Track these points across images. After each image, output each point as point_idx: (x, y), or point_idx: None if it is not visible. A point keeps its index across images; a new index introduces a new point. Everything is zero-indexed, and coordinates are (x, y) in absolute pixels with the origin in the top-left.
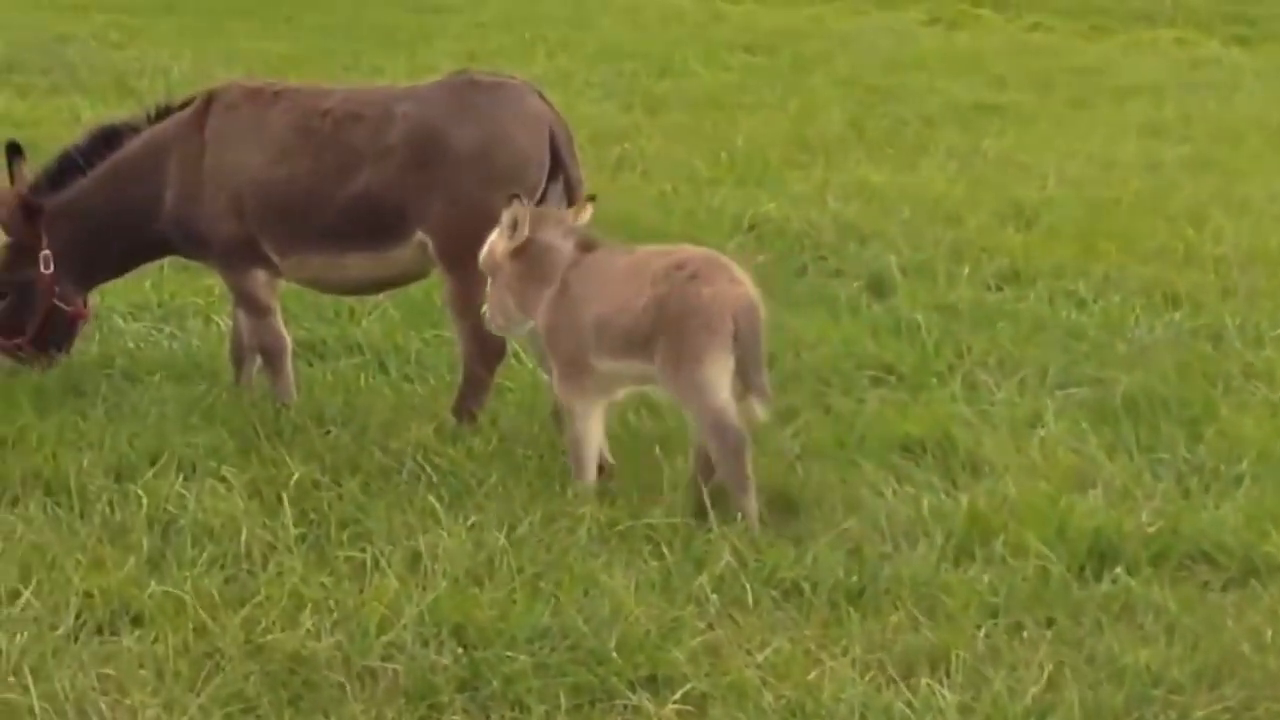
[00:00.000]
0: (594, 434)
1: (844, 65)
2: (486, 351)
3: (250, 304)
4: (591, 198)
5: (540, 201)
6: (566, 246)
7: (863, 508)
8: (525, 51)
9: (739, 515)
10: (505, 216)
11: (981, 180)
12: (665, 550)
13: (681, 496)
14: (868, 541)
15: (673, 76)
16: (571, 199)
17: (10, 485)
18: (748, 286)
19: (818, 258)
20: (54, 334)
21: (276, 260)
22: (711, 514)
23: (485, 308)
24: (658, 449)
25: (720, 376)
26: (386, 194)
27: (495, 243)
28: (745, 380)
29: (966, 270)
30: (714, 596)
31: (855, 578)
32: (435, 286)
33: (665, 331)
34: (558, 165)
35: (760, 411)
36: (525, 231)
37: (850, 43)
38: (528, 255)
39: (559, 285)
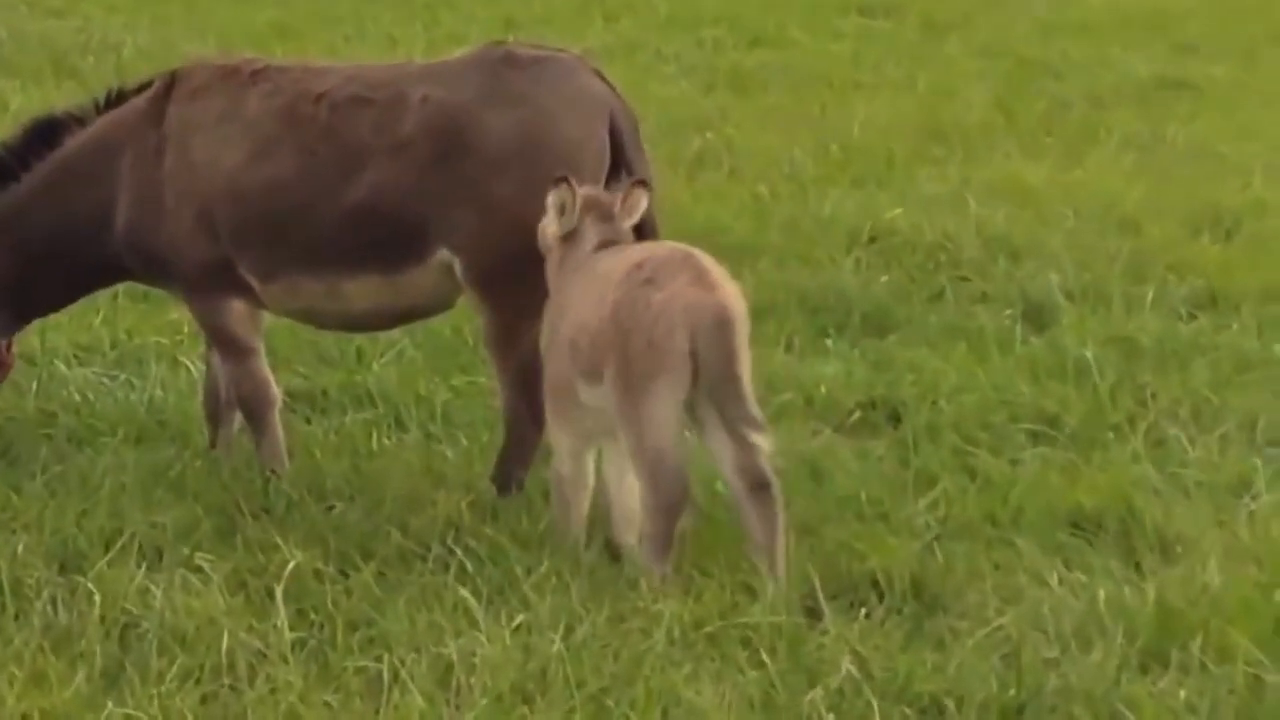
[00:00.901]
0: (579, 480)
1: (987, 30)
2: (535, 404)
3: (226, 344)
4: (643, 183)
5: None
6: (589, 244)
7: (1021, 600)
8: (578, 16)
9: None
10: (551, 198)
11: (1166, 178)
12: (766, 657)
13: (785, 589)
14: (1028, 643)
15: (767, 47)
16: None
17: None
18: (716, 291)
19: (958, 279)
20: None
21: (258, 287)
22: (826, 610)
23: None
24: None
25: (664, 408)
26: (399, 201)
27: (544, 226)
28: (721, 411)
29: (1149, 294)
30: (830, 717)
31: (1013, 691)
32: (466, 320)
33: (613, 349)
34: (619, 161)
35: (760, 442)
36: (575, 218)
37: (997, 1)
38: (569, 247)
39: (554, 292)
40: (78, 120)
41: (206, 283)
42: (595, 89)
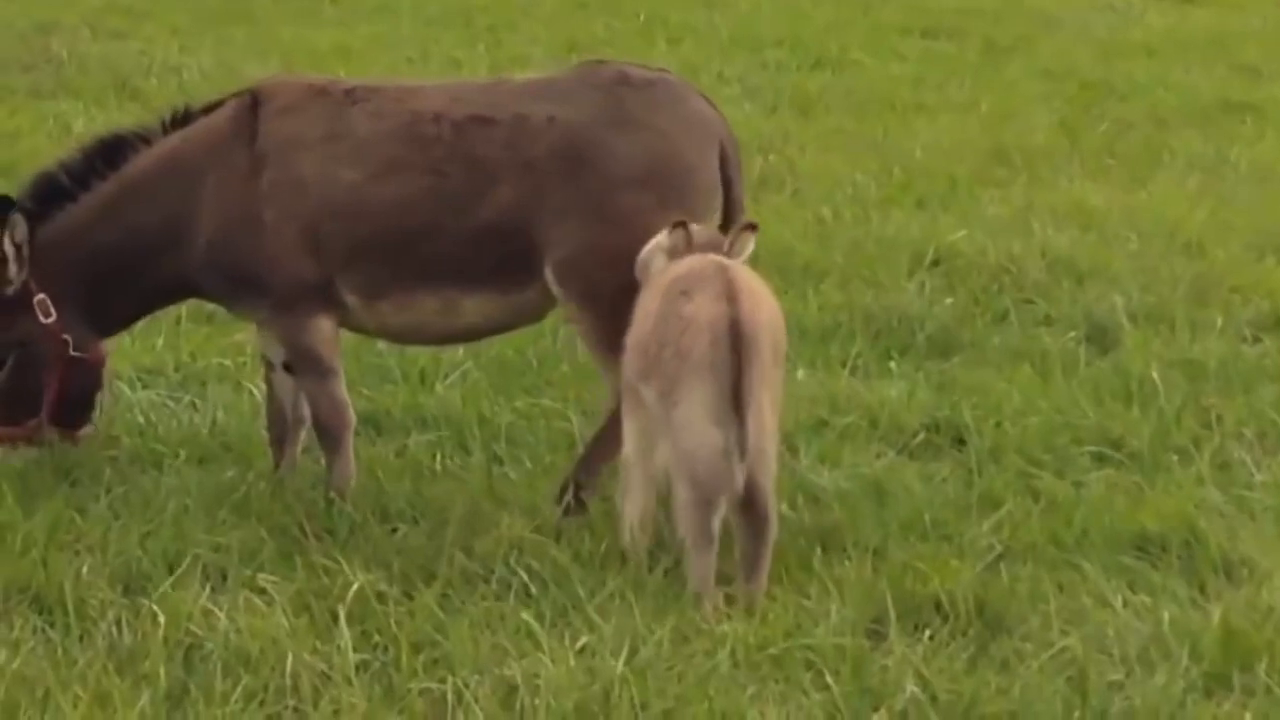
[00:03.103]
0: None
1: (1049, 52)
2: None
3: (313, 364)
4: (753, 226)
5: None
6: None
7: (1086, 622)
8: (640, 37)
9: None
10: (667, 240)
11: (1230, 200)
12: (830, 679)
13: (850, 611)
14: (1093, 666)
15: (830, 69)
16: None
17: None
18: (735, 305)
19: (1022, 300)
20: (79, 395)
21: (358, 305)
22: (890, 631)
23: None
24: (819, 550)
25: (693, 414)
26: (526, 219)
27: (651, 255)
28: (725, 427)
29: (1214, 316)
30: None
31: (1077, 713)
32: (529, 341)
33: (652, 358)
34: (724, 185)
35: (735, 474)
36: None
37: (1058, 24)
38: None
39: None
40: (143, 139)
41: (298, 301)
42: (708, 113)
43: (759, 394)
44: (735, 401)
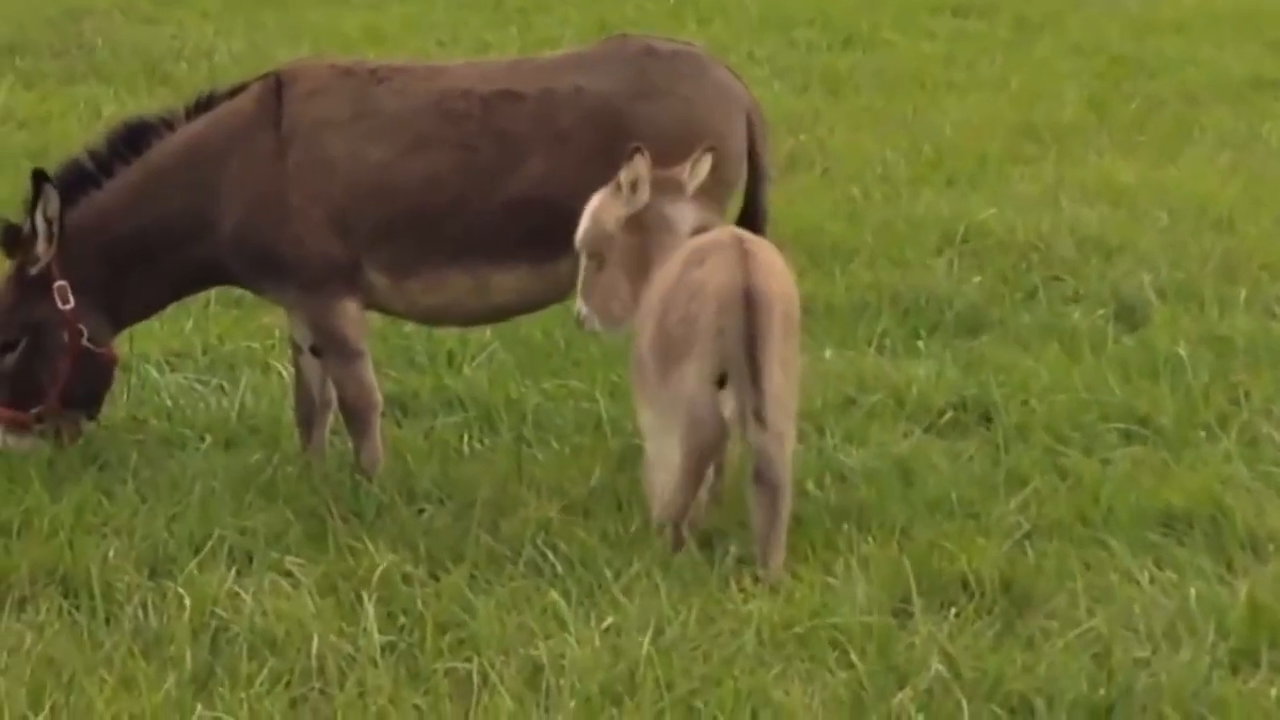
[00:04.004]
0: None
1: (1081, 29)
2: None
3: (339, 346)
4: (712, 149)
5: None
6: (684, 225)
7: (1111, 599)
8: (671, 19)
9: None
10: (624, 174)
11: (1262, 176)
12: (855, 658)
13: (876, 589)
14: (1118, 642)
15: (860, 48)
16: (758, 200)
17: (17, 583)
18: (750, 274)
19: (1050, 278)
20: (88, 386)
21: (388, 285)
22: (916, 609)
23: (580, 303)
24: (846, 528)
25: (692, 381)
26: (559, 191)
27: (604, 207)
28: (737, 395)
29: (1243, 293)
30: (919, 717)
31: (1103, 690)
32: (557, 323)
33: (657, 322)
34: (751, 156)
35: (756, 439)
36: (646, 195)
37: (1089, 0)
38: (644, 227)
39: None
40: (167, 124)
41: (325, 283)
42: (733, 83)
43: (772, 363)
44: (750, 367)
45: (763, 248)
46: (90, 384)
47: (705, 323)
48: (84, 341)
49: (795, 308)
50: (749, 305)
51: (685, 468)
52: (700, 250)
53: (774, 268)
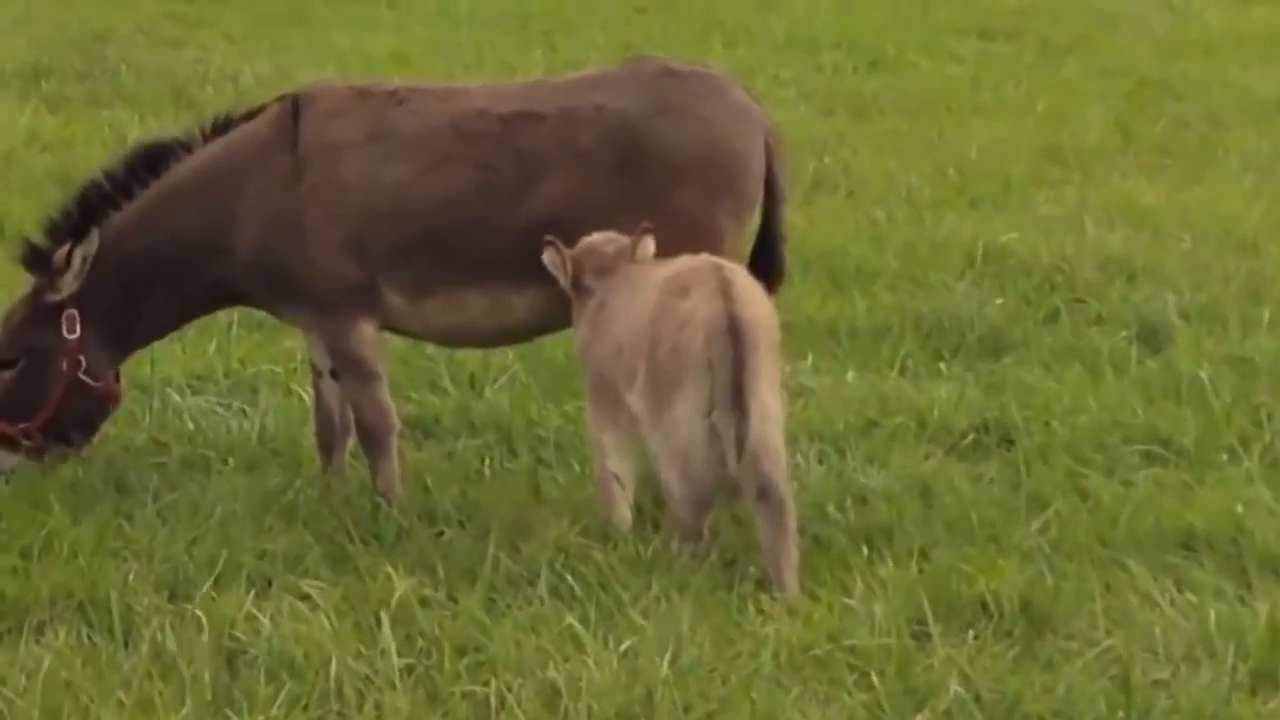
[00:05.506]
0: (625, 475)
1: (1107, 52)
2: None
3: (356, 368)
4: (648, 230)
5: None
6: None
7: (1131, 621)
8: (697, 40)
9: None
10: (547, 258)
11: None
12: (875, 679)
13: (895, 611)
14: (1137, 664)
15: (885, 71)
16: (775, 222)
17: (36, 606)
18: (733, 303)
19: (1073, 300)
20: (75, 418)
21: (405, 306)
22: (934, 631)
23: None
24: (865, 550)
25: (687, 411)
26: (578, 211)
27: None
28: (729, 421)
29: (1266, 315)
30: None
31: (1122, 712)
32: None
33: (644, 355)
34: (769, 177)
35: (759, 458)
36: (568, 279)
37: (1116, 23)
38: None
39: (599, 297)
40: (184, 147)
41: (341, 304)
42: (751, 105)
43: (760, 387)
44: (736, 396)
45: (739, 273)
46: (76, 417)
47: (695, 354)
48: (80, 374)
49: (776, 330)
50: (735, 333)
51: (687, 497)
52: (679, 279)
53: (754, 292)
